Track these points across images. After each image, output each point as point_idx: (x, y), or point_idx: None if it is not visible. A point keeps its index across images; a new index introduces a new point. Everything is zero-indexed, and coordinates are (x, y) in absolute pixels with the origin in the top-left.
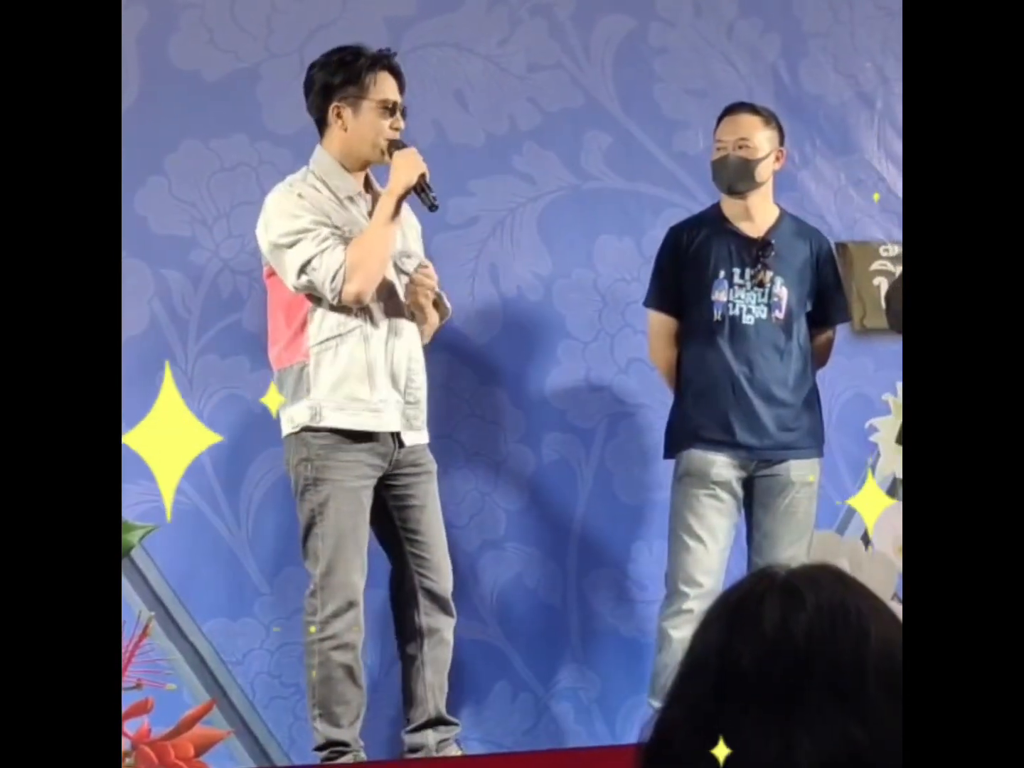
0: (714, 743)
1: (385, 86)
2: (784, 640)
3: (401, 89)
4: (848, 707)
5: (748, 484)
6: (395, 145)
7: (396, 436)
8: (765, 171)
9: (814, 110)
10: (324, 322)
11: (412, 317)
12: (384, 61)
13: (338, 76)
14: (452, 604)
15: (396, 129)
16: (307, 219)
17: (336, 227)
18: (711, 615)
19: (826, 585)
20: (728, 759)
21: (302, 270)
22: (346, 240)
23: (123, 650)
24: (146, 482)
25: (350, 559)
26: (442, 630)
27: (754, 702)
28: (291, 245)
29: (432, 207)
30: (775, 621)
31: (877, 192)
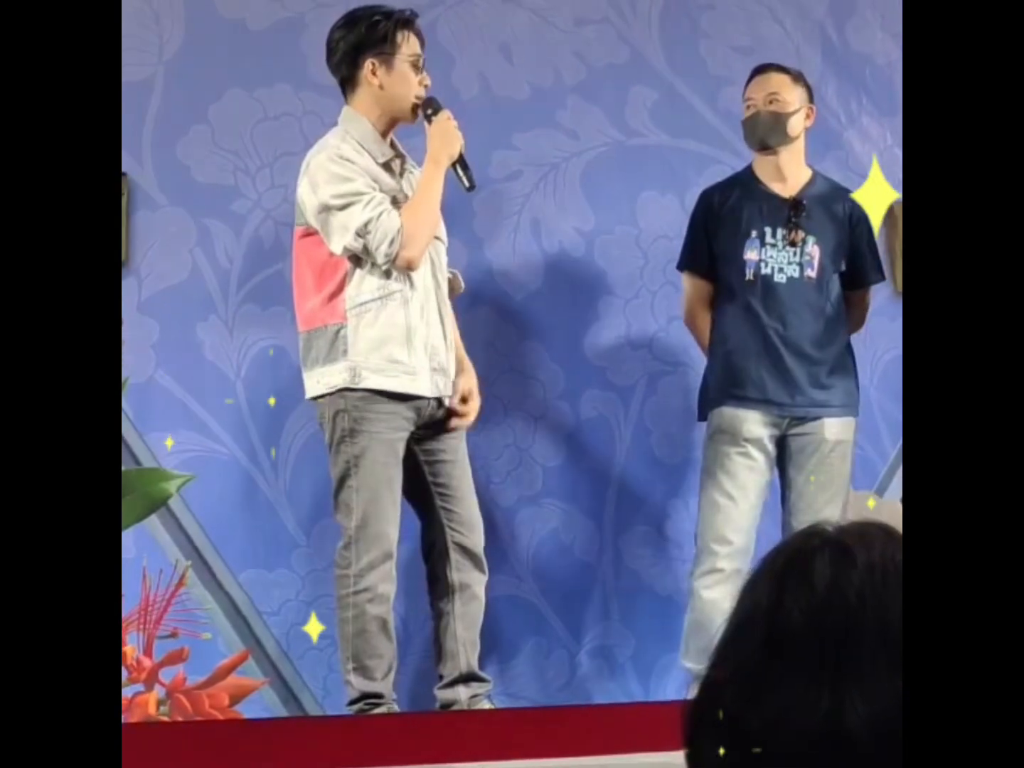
0: (762, 702)
1: (413, 43)
2: (836, 598)
3: (422, 49)
4: (899, 665)
5: (781, 443)
6: (429, 104)
7: (437, 398)
8: (796, 126)
9: (861, 69)
10: (363, 285)
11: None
12: (411, 19)
13: (369, 34)
14: (484, 560)
15: (425, 86)
16: (360, 182)
17: (384, 192)
18: (760, 573)
19: (877, 542)
20: (777, 718)
21: (359, 233)
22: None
23: (159, 599)
24: (184, 431)
25: (386, 510)
26: (473, 586)
27: (804, 661)
28: (343, 207)
29: (471, 186)
30: (826, 579)
31: None
